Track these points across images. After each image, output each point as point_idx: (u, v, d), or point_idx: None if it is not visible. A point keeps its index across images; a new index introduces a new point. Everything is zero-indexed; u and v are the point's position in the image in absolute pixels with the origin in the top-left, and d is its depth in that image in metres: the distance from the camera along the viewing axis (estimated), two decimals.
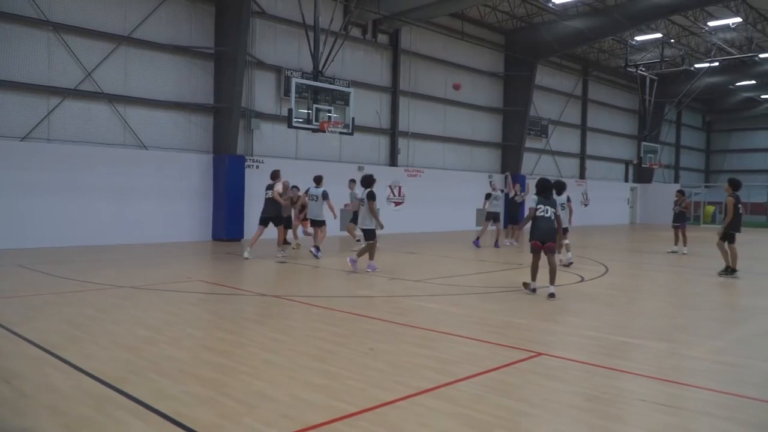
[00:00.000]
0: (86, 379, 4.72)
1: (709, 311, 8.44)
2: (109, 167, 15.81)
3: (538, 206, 9.11)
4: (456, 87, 22.69)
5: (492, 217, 17.89)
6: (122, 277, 10.12)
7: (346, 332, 6.56)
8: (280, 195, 13.45)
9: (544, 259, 9.15)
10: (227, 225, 17.56)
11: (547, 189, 9.30)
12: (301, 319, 7.22)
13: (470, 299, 8.84)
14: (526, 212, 17.77)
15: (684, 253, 16.56)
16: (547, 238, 9.07)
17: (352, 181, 16.43)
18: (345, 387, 4.65)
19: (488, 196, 18.12)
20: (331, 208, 14.05)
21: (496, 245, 17.60)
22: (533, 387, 4.79)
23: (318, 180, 14.22)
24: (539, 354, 5.74)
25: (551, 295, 8.82)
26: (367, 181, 11.67)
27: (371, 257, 11.61)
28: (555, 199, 9.45)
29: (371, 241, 11.57)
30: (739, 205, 12.01)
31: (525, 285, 9.52)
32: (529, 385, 4.83)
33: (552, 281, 8.97)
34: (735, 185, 11.88)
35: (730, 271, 12.01)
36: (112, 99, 16.07)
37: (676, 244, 17.15)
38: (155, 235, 16.53)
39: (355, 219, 15.26)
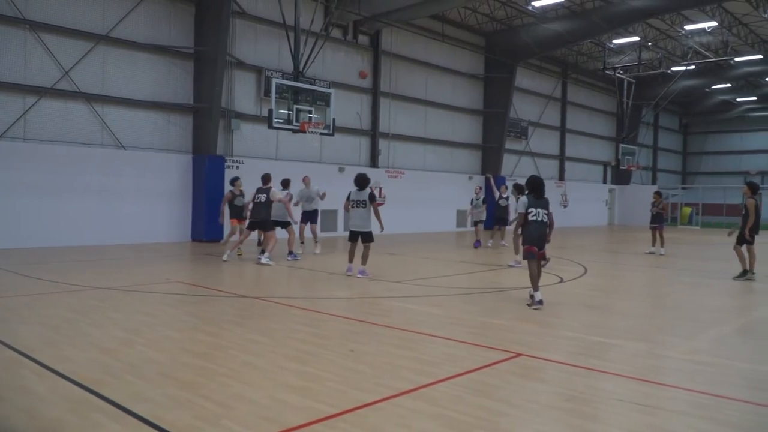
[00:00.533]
0: (62, 382, 4.66)
1: (686, 311, 8.55)
2: (87, 167, 15.63)
3: (530, 210, 8.37)
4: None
5: (477, 223, 18.29)
6: (100, 279, 10.00)
7: (326, 334, 6.55)
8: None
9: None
10: (207, 226, 17.43)
11: (539, 188, 8.50)
12: (281, 320, 7.19)
13: (450, 300, 8.87)
14: (512, 214, 17.85)
15: (661, 254, 16.77)
16: (541, 244, 8.38)
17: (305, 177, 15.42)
18: (325, 389, 4.64)
19: (472, 201, 18.54)
20: (289, 210, 13.37)
21: (477, 245, 17.77)
22: (512, 387, 4.82)
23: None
24: (518, 354, 5.78)
25: (539, 303, 8.22)
26: (364, 181, 11.03)
27: (365, 261, 11.01)
28: (547, 199, 8.61)
29: (371, 243, 11.10)
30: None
31: (530, 299, 8.38)
32: (508, 386, 4.85)
33: (537, 287, 8.35)
34: (754, 188, 11.90)
35: (747, 273, 11.97)
36: (90, 98, 15.89)
37: (653, 245, 17.36)
38: (134, 236, 16.38)
39: (310, 219, 14.95)
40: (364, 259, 10.95)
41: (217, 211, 17.52)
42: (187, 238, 17.65)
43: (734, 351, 6.32)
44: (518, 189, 14.59)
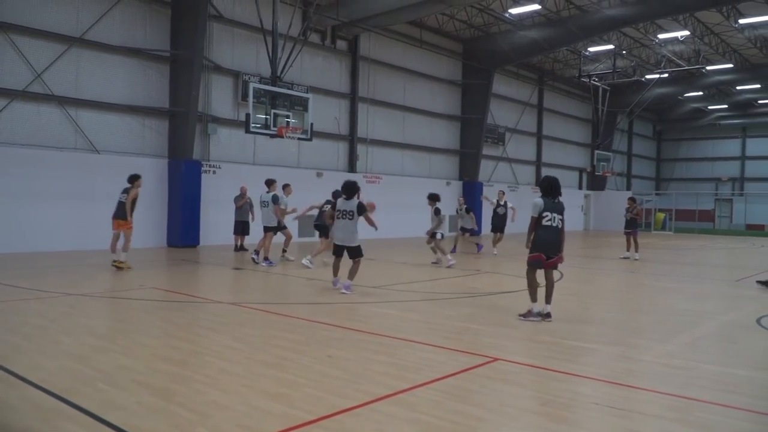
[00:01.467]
0: (33, 391, 4.56)
1: (659, 316, 8.66)
2: (60, 171, 15.38)
3: (544, 213, 7.54)
4: None
5: (464, 231, 17.88)
6: (72, 285, 9.83)
7: (303, 339, 6.51)
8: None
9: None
10: (183, 231, 17.26)
11: (555, 189, 7.64)
12: (258, 326, 7.14)
13: (428, 305, 8.88)
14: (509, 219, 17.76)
15: (636, 259, 16.98)
16: (552, 252, 7.64)
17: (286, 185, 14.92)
18: (302, 395, 4.61)
19: (457, 211, 18.24)
20: (277, 214, 13.42)
21: (454, 251, 17.66)
22: (489, 392, 4.84)
23: (268, 183, 13.70)
24: (495, 359, 5.80)
25: (547, 315, 7.67)
26: (353, 190, 9.76)
27: (351, 275, 9.76)
28: (563, 203, 7.84)
29: (360, 258, 9.80)
30: None
31: (525, 315, 7.74)
32: (485, 391, 4.87)
33: (549, 299, 7.77)
34: None
35: None
36: (63, 101, 15.66)
37: (628, 250, 17.58)
38: (107, 242, 16.07)
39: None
40: (351, 273, 9.68)
41: (193, 217, 17.44)
42: (162, 244, 17.45)
43: (706, 354, 6.41)
44: (432, 198, 14.44)
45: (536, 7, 23.25)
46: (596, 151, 31.37)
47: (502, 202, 17.73)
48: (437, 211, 14.19)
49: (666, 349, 6.43)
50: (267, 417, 4.14)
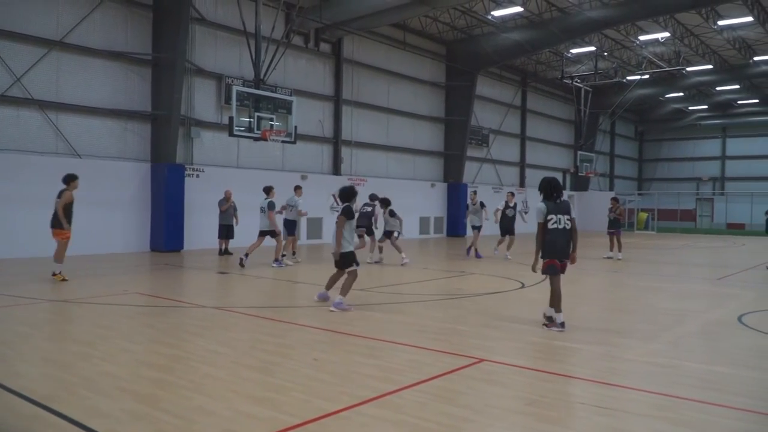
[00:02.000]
0: (14, 399, 4.50)
1: (643, 315, 8.73)
2: (41, 176, 15.17)
3: (549, 217, 7.26)
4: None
5: (474, 229, 17.44)
6: (55, 291, 9.72)
7: (289, 343, 6.48)
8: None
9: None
10: (166, 236, 17.12)
11: (556, 190, 7.35)
12: (243, 330, 7.09)
13: (414, 307, 8.88)
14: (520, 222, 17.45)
15: (619, 259, 17.11)
16: (564, 255, 7.34)
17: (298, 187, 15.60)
18: (289, 399, 4.59)
19: (467, 207, 17.98)
20: (270, 219, 13.68)
21: (472, 253, 17.27)
22: (475, 393, 4.84)
23: (266, 191, 14.23)
24: (481, 360, 5.81)
25: (549, 319, 7.41)
26: (347, 194, 8.83)
27: (346, 291, 8.61)
28: (568, 202, 7.54)
29: (353, 268, 8.62)
30: None
31: (548, 323, 7.37)
32: (471, 391, 4.88)
33: (553, 305, 7.42)
34: None
35: None
36: (44, 106, 15.49)
37: (611, 250, 17.71)
38: (90, 247, 15.96)
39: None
40: (344, 288, 8.54)
41: (176, 221, 17.31)
42: (145, 249, 17.30)
43: (690, 352, 6.47)
44: (384, 202, 15.13)
45: (518, 9, 23.39)
46: (579, 152, 31.57)
47: (511, 204, 16.98)
48: (392, 213, 15.23)
49: (650, 348, 6.48)
50: (253, 422, 4.11)
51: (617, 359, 6.03)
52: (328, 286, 9.03)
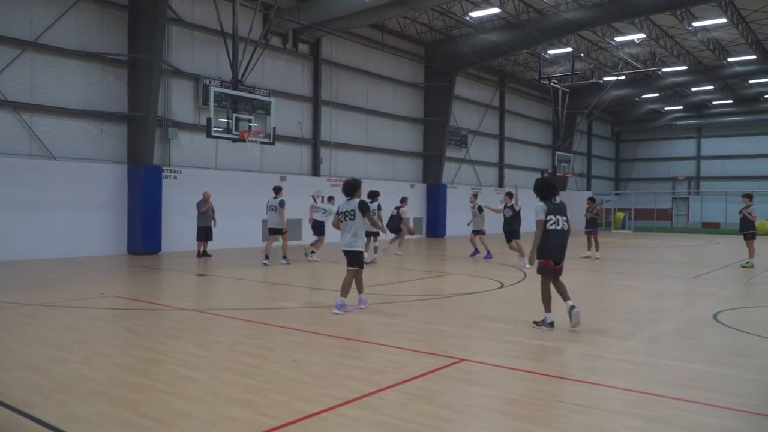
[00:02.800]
0: None
1: (620, 313, 8.83)
2: (15, 179, 14.97)
3: (548, 217, 7.25)
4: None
5: (475, 233, 17.46)
6: (30, 295, 9.57)
7: (269, 345, 6.46)
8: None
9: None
10: (143, 238, 16.95)
11: (552, 190, 7.39)
12: (222, 333, 7.05)
13: (394, 307, 8.89)
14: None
15: (596, 258, 17.29)
16: (560, 256, 7.33)
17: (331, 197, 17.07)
18: (268, 401, 4.57)
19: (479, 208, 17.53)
20: (282, 218, 14.61)
21: (480, 255, 17.23)
22: (455, 393, 4.87)
23: (276, 190, 14.98)
24: (461, 360, 5.84)
25: (572, 308, 7.15)
26: (352, 188, 8.60)
27: (360, 288, 8.71)
28: (564, 203, 7.56)
29: (359, 268, 8.53)
30: None
31: (539, 323, 7.41)
32: (451, 391, 4.90)
33: (566, 297, 7.35)
34: None
35: None
36: (18, 107, 15.25)
37: (589, 249, 17.89)
38: (66, 250, 15.77)
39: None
40: (344, 287, 8.43)
41: (154, 223, 17.14)
42: (122, 251, 17.11)
43: (666, 350, 6.56)
44: (372, 195, 15.19)
45: (496, 10, 23.54)
46: (557, 153, 31.83)
47: (508, 205, 15.89)
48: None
49: (628, 346, 6.56)
50: (232, 424, 4.09)
51: (595, 357, 6.09)
52: (359, 290, 8.71)
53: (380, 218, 14.11)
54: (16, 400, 4.49)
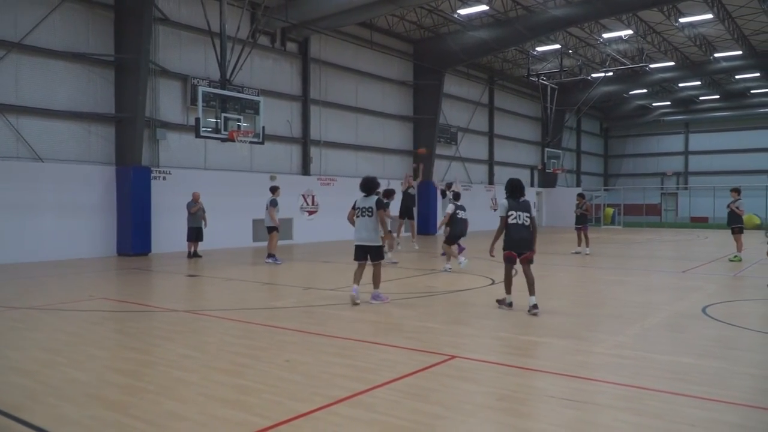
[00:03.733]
0: None
1: (610, 308, 8.88)
2: (2, 181, 14.84)
3: (510, 213, 8.21)
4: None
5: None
6: (18, 298, 9.51)
7: (261, 345, 6.45)
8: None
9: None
10: (133, 239, 16.86)
11: (517, 190, 8.30)
12: (213, 333, 7.03)
13: (385, 306, 8.90)
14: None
15: (587, 254, 17.37)
16: (522, 248, 8.24)
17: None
18: (260, 401, 4.57)
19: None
20: (272, 216, 14.70)
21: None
22: (447, 390, 4.88)
23: (272, 190, 15.10)
24: (453, 357, 5.85)
25: (534, 307, 8.04)
26: (372, 185, 9.12)
27: (377, 283, 9.20)
28: (528, 202, 8.46)
29: (381, 261, 9.18)
30: None
31: (500, 301, 8.59)
32: (443, 389, 4.91)
33: (532, 292, 8.19)
34: None
35: None
36: (3, 109, 15.11)
37: (579, 245, 17.97)
38: (54, 253, 15.65)
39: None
40: (376, 280, 9.10)
41: (143, 224, 17.06)
42: (112, 253, 17.01)
43: (655, 344, 6.61)
44: (387, 194, 14.95)
45: (484, 7, 23.57)
46: (546, 149, 31.97)
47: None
48: None
49: (617, 341, 6.60)
50: (225, 425, 4.09)
51: (586, 353, 6.12)
52: (357, 280, 8.99)
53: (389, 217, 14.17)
54: (6, 404, 4.46)
